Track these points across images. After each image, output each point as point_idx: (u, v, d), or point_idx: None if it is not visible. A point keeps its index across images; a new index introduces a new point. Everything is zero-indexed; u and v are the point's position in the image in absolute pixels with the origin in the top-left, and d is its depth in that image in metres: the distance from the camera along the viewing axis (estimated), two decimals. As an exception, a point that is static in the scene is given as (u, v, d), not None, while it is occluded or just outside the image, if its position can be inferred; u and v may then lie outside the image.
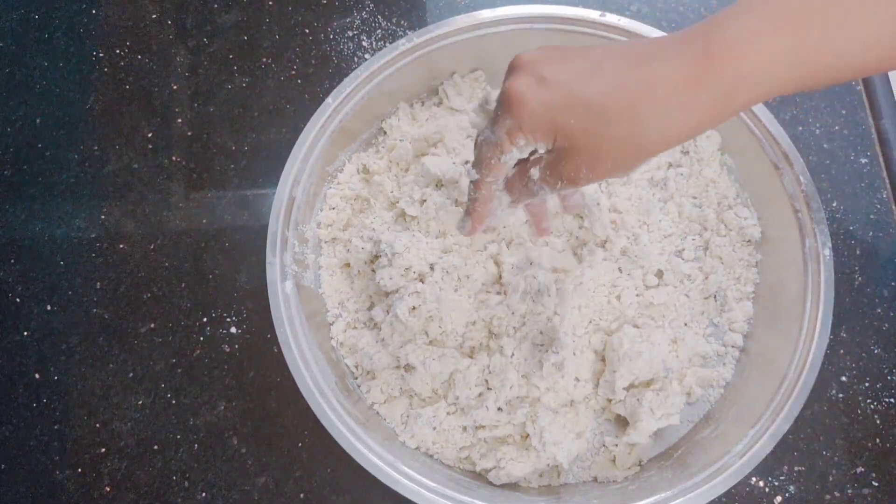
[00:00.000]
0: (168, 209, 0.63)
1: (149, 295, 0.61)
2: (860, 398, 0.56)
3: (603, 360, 0.54)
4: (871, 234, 0.61)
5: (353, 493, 0.54)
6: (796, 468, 0.54)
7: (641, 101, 0.35)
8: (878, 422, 0.55)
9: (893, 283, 0.59)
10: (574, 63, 0.37)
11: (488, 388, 0.53)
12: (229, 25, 0.70)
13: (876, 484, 0.54)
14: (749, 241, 0.58)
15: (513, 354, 0.53)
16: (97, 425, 0.57)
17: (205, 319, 0.59)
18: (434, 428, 0.53)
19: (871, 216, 0.61)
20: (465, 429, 0.53)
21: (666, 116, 0.35)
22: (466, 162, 0.57)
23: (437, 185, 0.57)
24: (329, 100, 0.58)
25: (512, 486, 0.52)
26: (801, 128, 0.64)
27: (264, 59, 0.69)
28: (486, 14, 0.59)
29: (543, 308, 0.52)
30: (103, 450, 0.56)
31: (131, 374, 0.58)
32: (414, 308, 0.53)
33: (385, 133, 0.63)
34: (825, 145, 0.64)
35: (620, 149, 0.36)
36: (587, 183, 0.38)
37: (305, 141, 0.57)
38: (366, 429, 0.50)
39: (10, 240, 0.63)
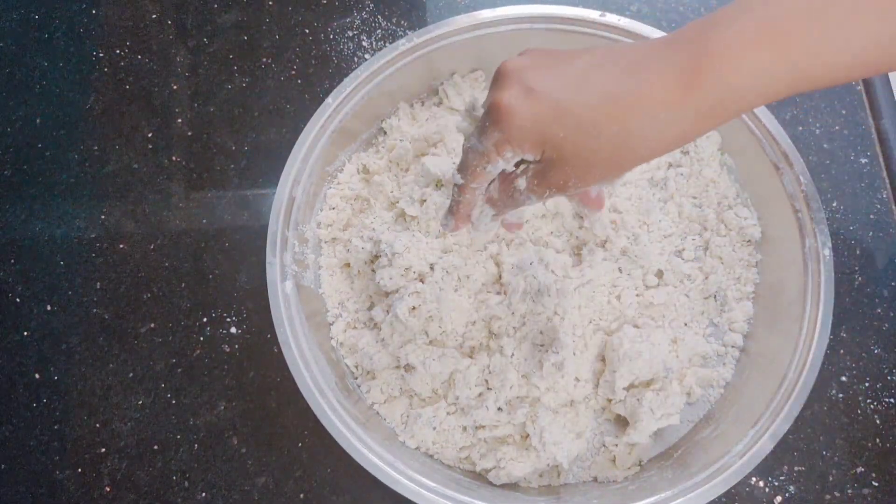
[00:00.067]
0: (168, 209, 0.63)
1: (149, 295, 0.61)
2: (860, 398, 0.56)
3: (603, 360, 0.54)
4: (871, 234, 0.61)
5: (353, 493, 0.54)
6: (796, 468, 0.54)
7: (630, 113, 0.34)
8: (878, 422, 0.55)
9: (893, 283, 0.59)
10: (561, 71, 0.36)
11: (488, 388, 0.53)
12: (229, 25, 0.70)
13: (876, 484, 0.54)
14: (749, 241, 0.58)
15: (513, 354, 0.53)
16: (97, 425, 0.57)
17: (205, 319, 0.59)
18: (434, 428, 0.53)
19: (871, 216, 0.61)
20: (465, 429, 0.53)
21: (655, 127, 0.34)
22: (454, 161, 0.57)
23: (437, 185, 0.57)
24: (329, 100, 0.58)
25: (512, 486, 0.53)
26: (801, 128, 0.64)
27: (264, 59, 0.69)
28: (486, 14, 0.59)
29: (543, 308, 0.52)
30: (103, 450, 0.56)
31: (131, 374, 0.58)
32: (414, 308, 0.53)
33: (385, 133, 0.63)
34: (825, 145, 0.64)
35: (610, 158, 0.36)
36: (576, 190, 0.38)
37: (305, 141, 0.57)
38: (366, 429, 0.50)
39: (10, 240, 0.63)
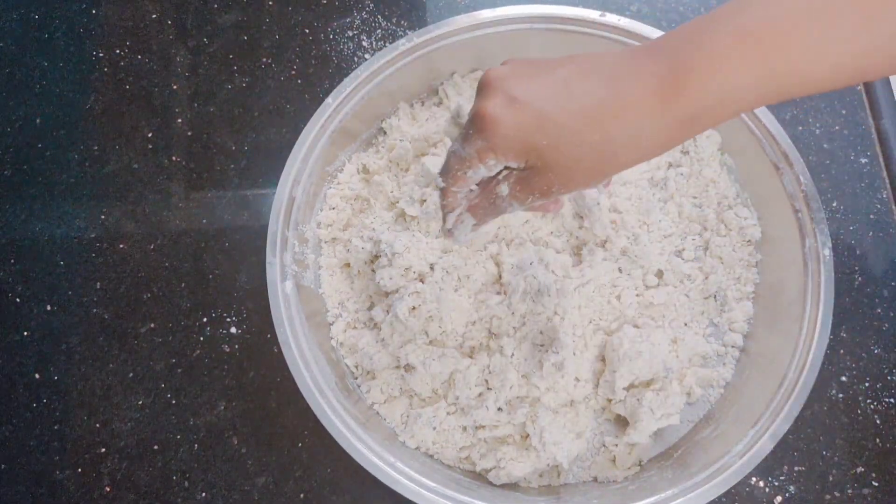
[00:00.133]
0: (168, 209, 0.63)
1: (149, 295, 0.61)
2: (860, 398, 0.56)
3: (603, 360, 0.54)
4: (871, 234, 0.61)
5: (353, 493, 0.54)
6: (796, 468, 0.54)
7: (612, 121, 0.35)
8: (878, 422, 0.55)
9: (893, 283, 0.59)
10: (544, 80, 0.37)
11: (488, 388, 0.53)
12: (229, 25, 0.70)
13: (876, 484, 0.54)
14: (749, 241, 0.58)
15: (513, 354, 0.53)
16: (97, 425, 0.57)
17: (205, 319, 0.59)
18: (434, 428, 0.53)
19: (871, 216, 0.61)
20: (465, 429, 0.53)
21: (636, 135, 0.35)
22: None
23: (437, 185, 0.57)
24: (329, 100, 0.58)
25: (512, 486, 0.53)
26: (801, 128, 0.64)
27: (264, 59, 0.69)
28: (486, 14, 0.59)
29: (543, 308, 0.52)
30: (103, 450, 0.56)
31: (131, 374, 0.58)
32: (414, 308, 0.53)
33: (385, 133, 0.63)
34: (825, 145, 0.64)
35: (592, 166, 0.36)
36: (559, 196, 0.39)
37: (305, 141, 0.57)
38: (366, 429, 0.50)
39: (10, 240, 0.63)
